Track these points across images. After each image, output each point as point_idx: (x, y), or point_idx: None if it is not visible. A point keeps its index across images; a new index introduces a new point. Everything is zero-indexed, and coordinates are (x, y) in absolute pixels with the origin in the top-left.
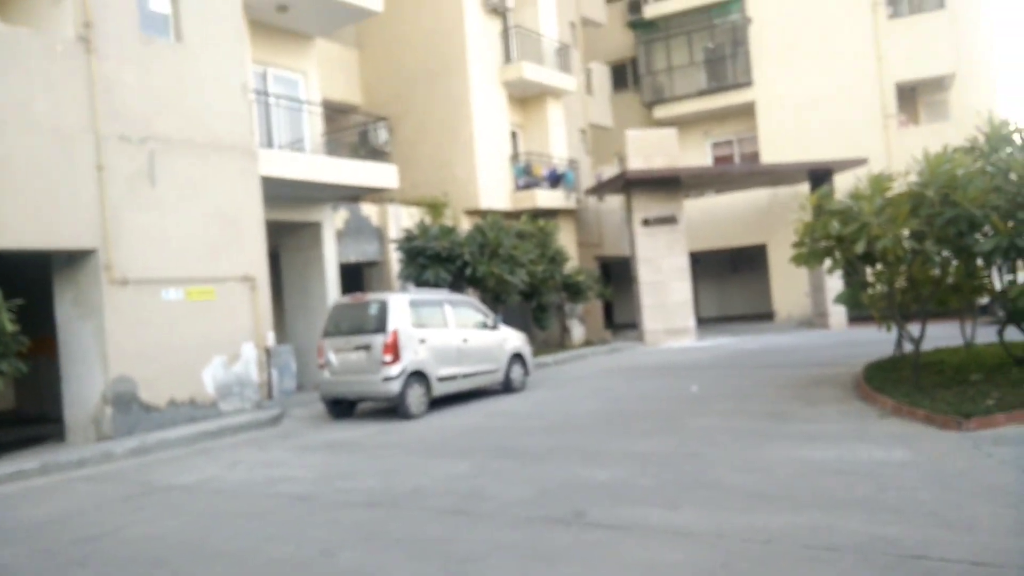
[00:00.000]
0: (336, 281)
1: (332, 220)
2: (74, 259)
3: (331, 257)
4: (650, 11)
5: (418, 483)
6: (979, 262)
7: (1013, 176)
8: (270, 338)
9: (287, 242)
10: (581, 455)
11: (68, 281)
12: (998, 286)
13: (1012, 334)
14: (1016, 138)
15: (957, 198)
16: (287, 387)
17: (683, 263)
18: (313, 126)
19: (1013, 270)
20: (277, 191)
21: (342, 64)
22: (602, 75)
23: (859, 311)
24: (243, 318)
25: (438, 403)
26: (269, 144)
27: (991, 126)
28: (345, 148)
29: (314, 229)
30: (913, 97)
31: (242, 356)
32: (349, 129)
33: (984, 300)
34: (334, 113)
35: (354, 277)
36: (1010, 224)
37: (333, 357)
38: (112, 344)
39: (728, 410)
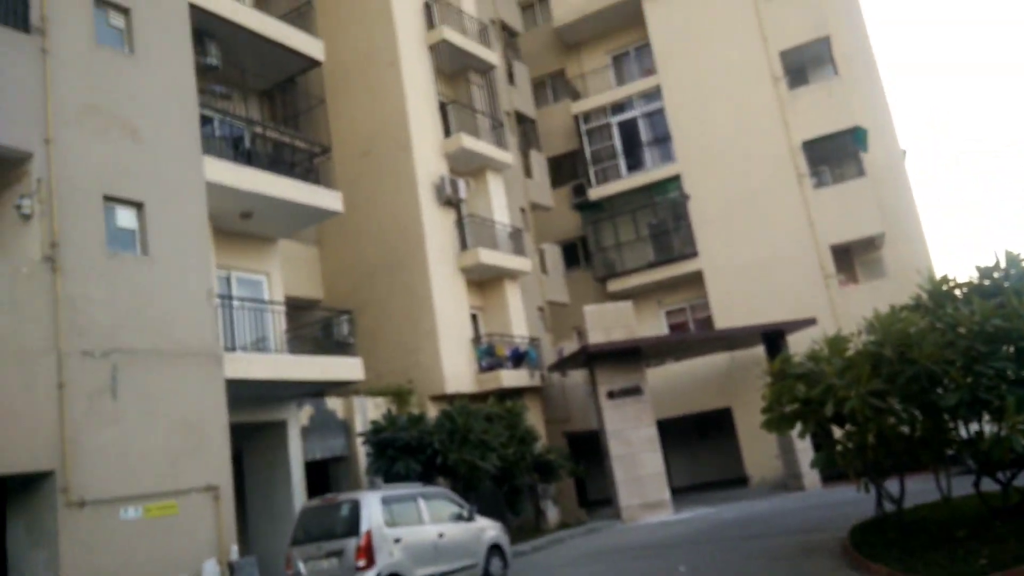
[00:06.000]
0: (302, 482)
1: (297, 417)
2: (29, 482)
3: (296, 456)
4: (594, 194)
5: None
6: (945, 416)
7: (963, 331)
8: (233, 552)
9: (250, 444)
10: None
11: (21, 506)
12: (963, 435)
13: (987, 483)
14: (957, 293)
15: (914, 355)
16: None
17: (652, 433)
18: (276, 324)
19: (979, 421)
20: (241, 392)
21: (303, 261)
22: (555, 255)
23: (832, 470)
24: (205, 532)
25: None
26: (233, 347)
27: (932, 284)
28: (308, 343)
29: (279, 428)
30: (849, 257)
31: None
32: (312, 324)
33: (951, 451)
34: (296, 310)
35: (320, 475)
36: (968, 378)
37: (302, 567)
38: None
39: None
